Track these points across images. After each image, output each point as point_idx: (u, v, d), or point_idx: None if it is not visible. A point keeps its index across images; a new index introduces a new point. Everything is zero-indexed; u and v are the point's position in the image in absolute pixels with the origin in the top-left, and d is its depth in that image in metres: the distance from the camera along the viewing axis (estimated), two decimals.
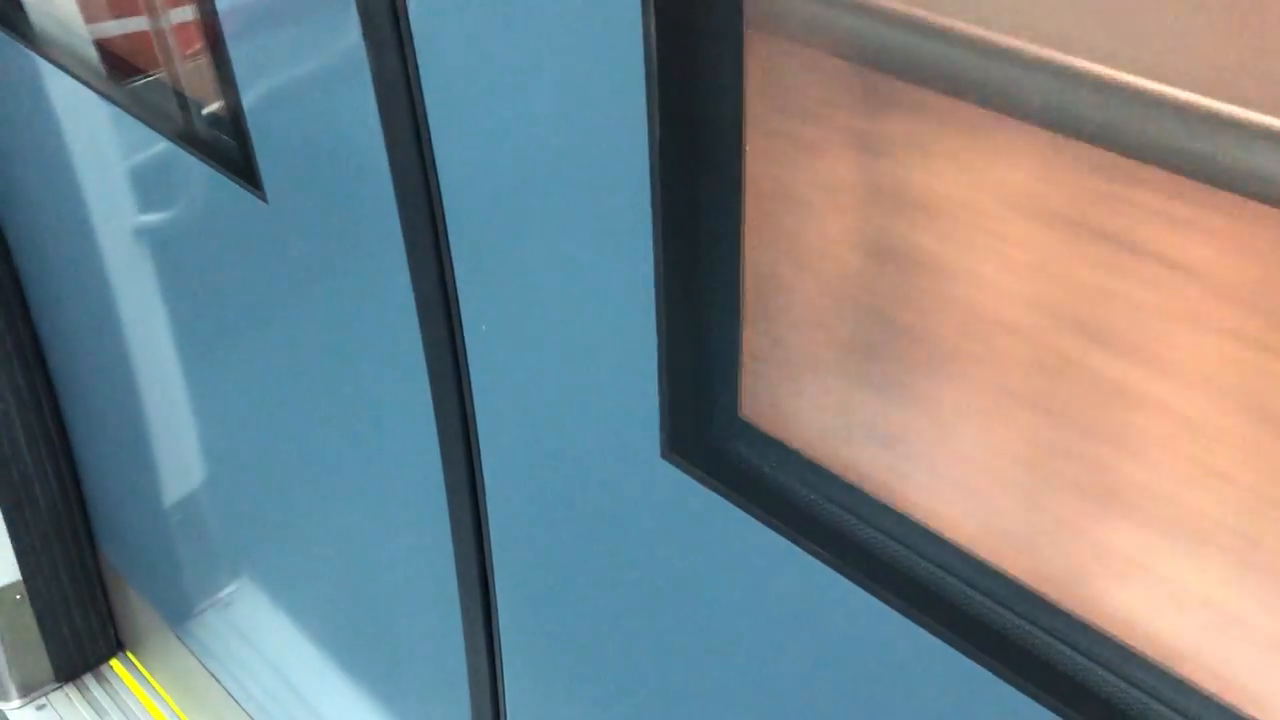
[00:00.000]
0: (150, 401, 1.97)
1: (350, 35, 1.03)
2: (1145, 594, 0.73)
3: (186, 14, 1.40)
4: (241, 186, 1.33)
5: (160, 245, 1.66)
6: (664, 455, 0.95)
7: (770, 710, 1.00)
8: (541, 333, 1.03)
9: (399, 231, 1.11)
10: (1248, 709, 0.69)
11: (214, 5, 1.20)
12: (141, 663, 2.75)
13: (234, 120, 1.29)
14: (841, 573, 0.85)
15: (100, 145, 1.68)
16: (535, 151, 0.93)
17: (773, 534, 0.89)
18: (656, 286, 0.87)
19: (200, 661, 2.36)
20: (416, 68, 0.99)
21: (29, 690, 2.69)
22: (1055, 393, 0.72)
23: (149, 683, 2.73)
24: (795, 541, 0.87)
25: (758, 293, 0.87)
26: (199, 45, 1.35)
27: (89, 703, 2.69)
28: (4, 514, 2.37)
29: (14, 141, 1.87)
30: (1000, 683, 0.77)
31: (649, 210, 0.84)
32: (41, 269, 2.09)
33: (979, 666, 0.78)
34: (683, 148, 0.81)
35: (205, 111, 1.42)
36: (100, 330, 1.98)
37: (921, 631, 0.81)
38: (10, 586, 2.48)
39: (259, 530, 1.89)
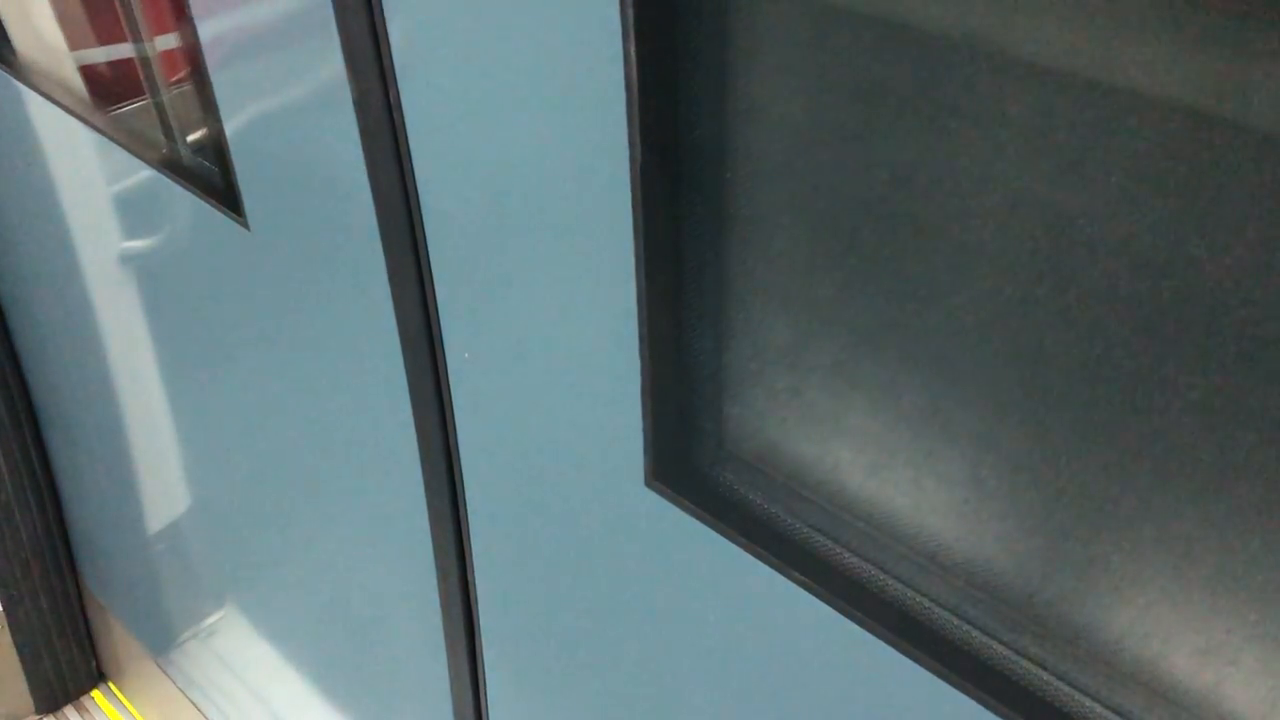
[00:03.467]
0: (133, 429, 1.96)
1: (332, 63, 1.03)
2: (1136, 623, 0.72)
3: (170, 42, 1.40)
4: (224, 213, 1.33)
5: (143, 272, 1.65)
6: (648, 483, 0.95)
7: None
8: (524, 360, 1.03)
9: (381, 258, 1.11)
10: None
11: (196, 33, 1.20)
12: (123, 693, 2.72)
13: (217, 147, 1.28)
14: (825, 601, 0.84)
15: (83, 172, 1.67)
16: (517, 178, 0.93)
17: (756, 562, 0.88)
18: (640, 314, 0.87)
19: (183, 692, 2.34)
20: (398, 94, 0.99)
21: None
22: (1045, 417, 0.71)
23: (131, 714, 2.70)
24: (779, 569, 0.87)
25: (742, 321, 0.87)
26: (183, 73, 1.35)
27: None
28: None
29: None
30: (985, 712, 0.77)
31: (631, 236, 0.84)
32: (23, 295, 2.08)
33: (964, 695, 0.78)
34: (665, 173, 0.81)
35: (189, 139, 1.42)
36: (82, 357, 1.97)
37: (906, 660, 0.80)
38: None
39: (242, 558, 1.87)
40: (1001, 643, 0.77)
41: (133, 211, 1.60)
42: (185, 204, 1.42)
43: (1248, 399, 0.61)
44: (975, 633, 0.79)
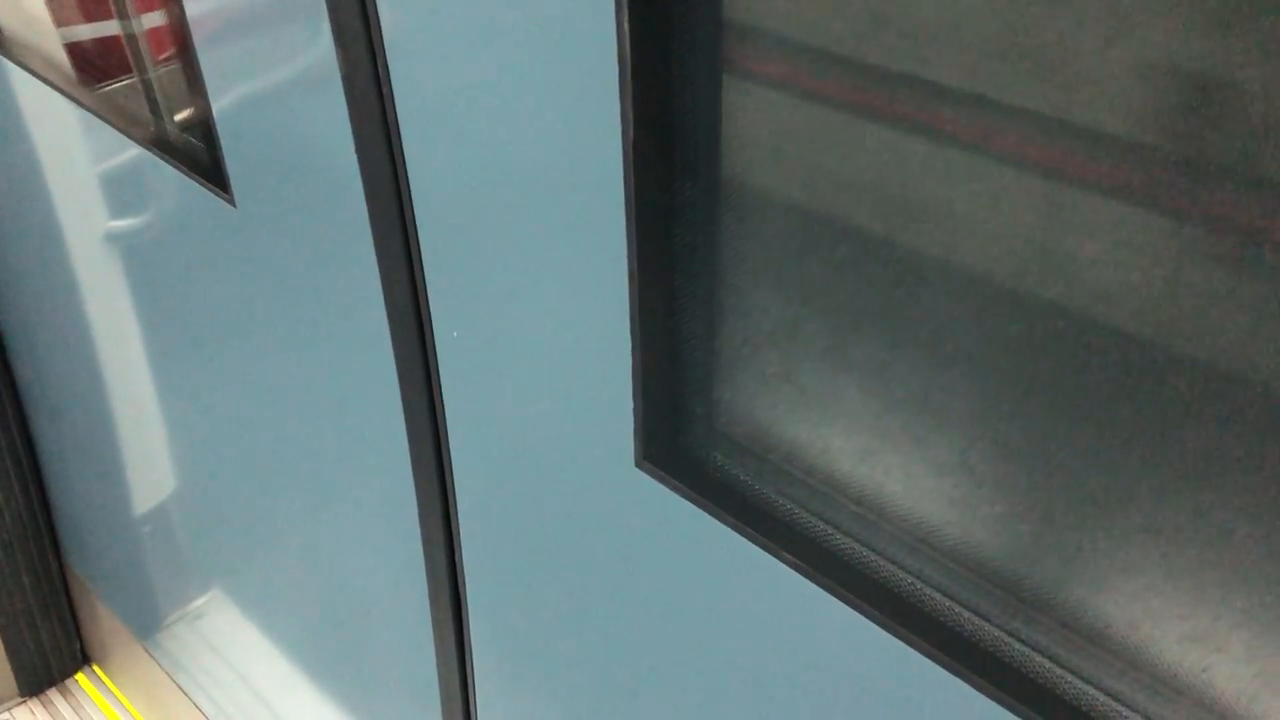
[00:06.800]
0: (118, 409, 1.95)
1: (321, 38, 1.02)
2: (1125, 607, 0.72)
3: (157, 19, 1.39)
4: (211, 191, 1.32)
5: (128, 251, 1.64)
6: (638, 464, 0.94)
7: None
8: (514, 339, 1.02)
9: (369, 236, 1.10)
10: None
11: (183, 9, 1.19)
12: (108, 676, 2.71)
13: (204, 125, 1.27)
14: (817, 583, 0.84)
15: (69, 150, 1.66)
16: (507, 156, 0.92)
17: (748, 543, 0.88)
18: (631, 293, 0.86)
19: (169, 675, 2.33)
20: (388, 72, 0.98)
21: None
22: (1035, 402, 0.71)
23: (116, 697, 2.69)
24: (770, 550, 0.86)
25: (734, 303, 0.86)
26: (170, 50, 1.34)
27: (54, 718, 2.65)
28: None
29: None
30: (978, 695, 0.76)
31: (623, 216, 0.83)
32: (6, 273, 2.06)
33: (955, 676, 0.77)
34: (657, 151, 0.81)
35: (176, 117, 1.41)
36: (67, 336, 1.96)
37: (897, 641, 0.80)
38: None
39: (228, 541, 1.87)
40: (993, 625, 0.77)
41: (119, 190, 1.59)
42: (171, 182, 1.41)
43: (1237, 386, 0.60)
44: (966, 614, 0.78)
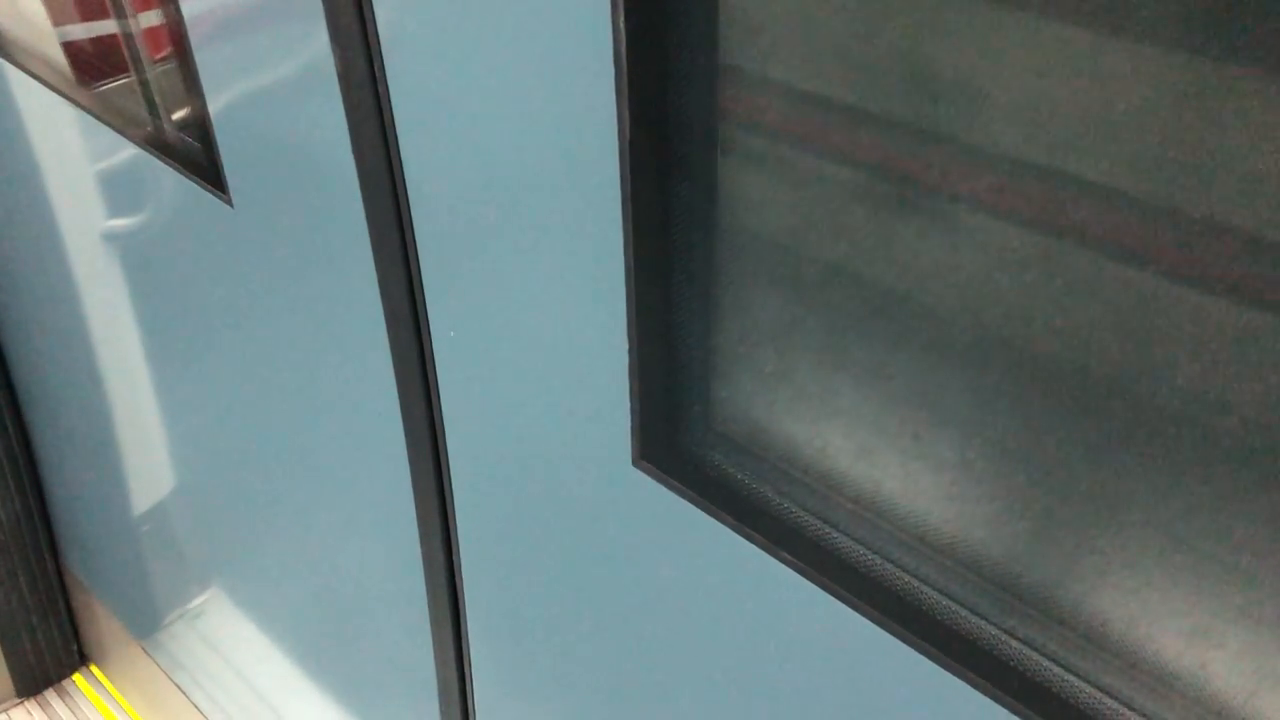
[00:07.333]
0: (114, 409, 1.95)
1: (317, 37, 1.02)
2: (1124, 605, 0.72)
3: (154, 18, 1.39)
4: (208, 191, 1.32)
5: (126, 250, 1.64)
6: (635, 463, 0.94)
7: (742, 719, 1.00)
8: (511, 338, 1.02)
9: (366, 236, 1.10)
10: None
11: (180, 9, 1.19)
12: (106, 676, 2.71)
13: (200, 124, 1.27)
14: (814, 581, 0.84)
15: (66, 149, 1.66)
16: (503, 156, 0.92)
17: (744, 542, 0.88)
18: (628, 292, 0.86)
19: (167, 675, 2.33)
20: (383, 68, 0.98)
21: None
22: (1033, 400, 0.71)
23: (113, 697, 2.69)
24: (767, 550, 0.86)
25: (731, 301, 0.86)
26: (166, 50, 1.34)
27: (51, 718, 2.65)
28: None
29: None
30: (975, 693, 0.76)
31: (620, 215, 0.83)
32: (2, 274, 2.06)
33: (953, 676, 0.77)
34: (654, 150, 0.81)
35: (174, 116, 1.41)
36: (64, 335, 1.96)
37: (894, 640, 0.80)
38: None
39: (226, 540, 1.86)
40: (990, 623, 0.77)
41: (116, 189, 1.58)
42: (168, 181, 1.41)
43: (1235, 383, 0.61)
44: (964, 613, 0.78)
